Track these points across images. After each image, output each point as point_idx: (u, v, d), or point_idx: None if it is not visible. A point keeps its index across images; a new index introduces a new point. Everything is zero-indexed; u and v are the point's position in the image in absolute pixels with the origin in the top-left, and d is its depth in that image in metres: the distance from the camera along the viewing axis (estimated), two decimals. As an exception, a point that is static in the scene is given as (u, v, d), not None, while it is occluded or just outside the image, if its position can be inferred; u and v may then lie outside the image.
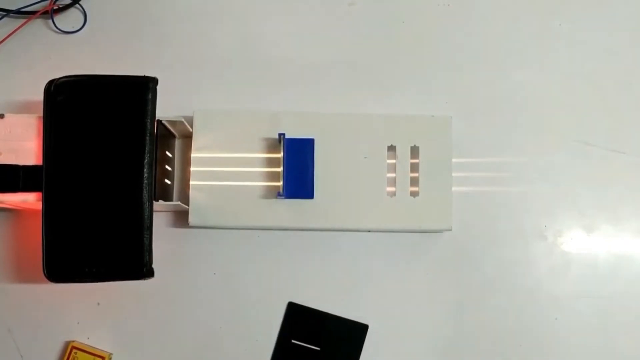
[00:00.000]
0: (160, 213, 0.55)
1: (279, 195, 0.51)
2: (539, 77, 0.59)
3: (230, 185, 0.53)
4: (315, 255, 0.55)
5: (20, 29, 0.58)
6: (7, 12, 0.57)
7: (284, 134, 0.52)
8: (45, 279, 0.46)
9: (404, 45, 0.59)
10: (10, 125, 0.49)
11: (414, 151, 0.54)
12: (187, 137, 0.55)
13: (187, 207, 0.53)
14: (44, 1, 0.58)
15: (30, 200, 0.48)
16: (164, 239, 0.55)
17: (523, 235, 0.56)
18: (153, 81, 0.48)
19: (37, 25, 0.58)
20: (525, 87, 0.58)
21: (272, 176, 0.53)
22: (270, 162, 0.53)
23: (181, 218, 0.55)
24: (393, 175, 0.54)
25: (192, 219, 0.52)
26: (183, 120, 0.52)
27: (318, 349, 0.54)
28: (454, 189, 0.54)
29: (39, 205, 0.47)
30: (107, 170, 0.46)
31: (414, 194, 0.53)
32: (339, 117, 0.54)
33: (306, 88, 0.58)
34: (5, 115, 0.49)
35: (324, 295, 0.55)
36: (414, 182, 0.53)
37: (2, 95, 0.57)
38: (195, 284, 0.55)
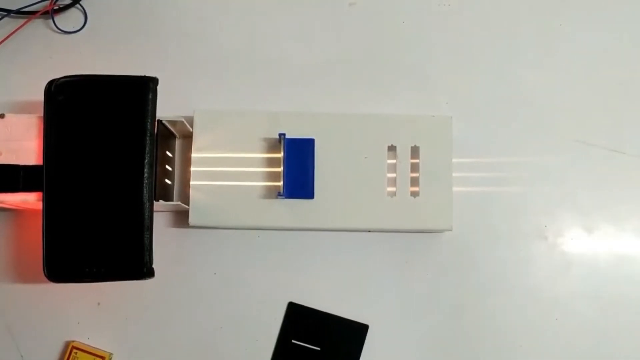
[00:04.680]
0: (161, 213, 0.55)
1: (279, 195, 0.51)
2: (539, 77, 0.59)
3: (231, 185, 0.53)
4: (315, 255, 0.55)
5: (21, 29, 0.58)
6: (8, 12, 0.57)
7: (284, 134, 0.52)
8: (45, 279, 0.46)
9: (404, 45, 0.59)
10: (11, 125, 0.49)
11: (414, 151, 0.54)
12: (188, 137, 0.55)
13: (187, 207, 0.53)
14: (44, 1, 0.58)
15: (30, 200, 0.48)
16: (164, 239, 0.55)
17: (523, 235, 0.56)
18: (153, 81, 0.48)
19: (37, 25, 0.58)
20: (526, 87, 0.58)
21: (272, 176, 0.53)
22: (270, 162, 0.53)
23: (181, 218, 0.55)
24: (393, 175, 0.54)
25: (192, 219, 0.52)
26: (183, 120, 0.52)
27: (318, 349, 0.54)
28: (454, 189, 0.54)
29: (39, 205, 0.47)
30: (108, 170, 0.46)
31: (414, 194, 0.53)
32: (339, 117, 0.54)
33: (306, 88, 0.58)
34: (6, 115, 0.49)
35: (324, 295, 0.55)
36: (414, 182, 0.53)
37: (2, 95, 0.57)
38: (195, 284, 0.55)
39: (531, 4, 0.60)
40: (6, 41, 0.57)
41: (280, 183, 0.52)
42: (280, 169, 0.52)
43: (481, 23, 0.60)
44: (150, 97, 0.47)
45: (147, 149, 0.47)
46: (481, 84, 0.58)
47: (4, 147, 0.49)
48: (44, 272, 0.46)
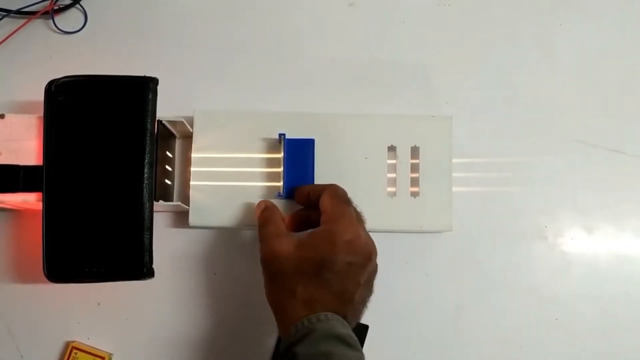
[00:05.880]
0: (161, 213, 0.55)
1: (278, 195, 0.51)
2: (539, 77, 0.59)
3: (231, 186, 0.53)
4: (315, 255, 0.55)
5: (21, 29, 0.58)
6: (8, 12, 0.57)
7: (284, 134, 0.52)
8: (45, 279, 0.46)
9: (404, 45, 0.59)
10: (11, 125, 0.49)
11: (415, 151, 0.54)
12: (188, 137, 0.55)
13: (187, 207, 0.53)
14: (44, 1, 0.58)
15: (30, 200, 0.48)
16: (164, 239, 0.55)
17: (523, 235, 0.56)
18: (153, 81, 0.48)
19: (38, 25, 0.58)
20: (526, 87, 0.59)
21: (272, 176, 0.53)
22: (271, 163, 0.53)
23: (181, 218, 0.55)
24: (393, 175, 0.54)
25: (192, 219, 0.52)
26: (183, 120, 0.52)
27: (318, 349, 0.54)
28: (454, 189, 0.53)
29: (39, 205, 0.47)
30: (108, 171, 0.46)
31: (414, 194, 0.53)
32: (339, 117, 0.54)
33: (306, 88, 0.58)
34: (6, 115, 0.49)
35: (324, 295, 0.55)
36: (414, 182, 0.53)
37: (2, 95, 0.57)
38: (195, 284, 0.55)
39: (531, 4, 0.60)
40: (6, 41, 0.57)
41: (280, 183, 0.52)
42: (280, 170, 0.52)
43: (481, 23, 0.60)
44: (150, 97, 0.47)
45: (147, 149, 0.47)
46: (481, 84, 0.58)
47: (4, 147, 0.49)
48: (44, 272, 0.46)
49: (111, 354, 0.54)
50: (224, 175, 0.53)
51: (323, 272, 0.43)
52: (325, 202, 0.46)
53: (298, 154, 0.52)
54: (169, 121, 0.52)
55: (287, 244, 0.45)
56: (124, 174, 0.46)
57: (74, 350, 0.53)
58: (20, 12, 0.57)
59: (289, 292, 0.43)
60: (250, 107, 0.57)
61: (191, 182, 0.53)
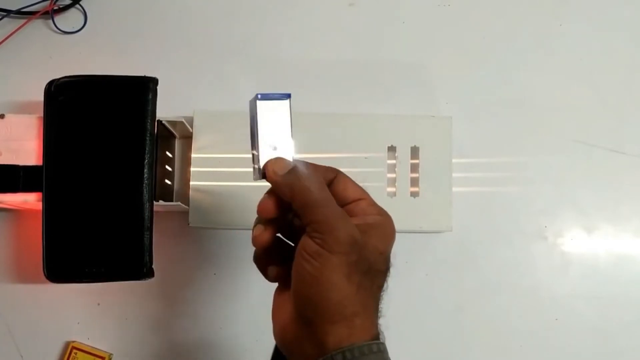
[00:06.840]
0: (161, 213, 0.55)
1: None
2: (539, 77, 0.59)
3: (230, 186, 0.53)
4: (315, 255, 0.55)
5: (21, 29, 0.58)
6: (8, 12, 0.57)
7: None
8: (45, 279, 0.46)
9: (404, 46, 0.59)
10: (11, 125, 0.49)
11: (414, 151, 0.54)
12: (187, 138, 0.55)
13: (187, 207, 0.53)
14: (44, 1, 0.58)
15: (30, 200, 0.48)
16: (164, 239, 0.55)
17: (523, 235, 0.56)
18: (153, 81, 0.48)
19: (37, 26, 0.58)
20: (526, 87, 0.58)
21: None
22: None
23: (181, 218, 0.55)
24: (393, 175, 0.54)
25: (192, 219, 0.52)
26: (183, 120, 0.52)
27: (318, 349, 0.54)
28: (454, 189, 0.53)
29: (39, 205, 0.47)
30: (108, 171, 0.46)
31: (414, 195, 0.53)
32: (339, 117, 0.54)
33: (306, 88, 0.58)
34: (6, 115, 0.49)
35: (324, 295, 0.55)
36: (414, 182, 0.53)
37: (2, 95, 0.57)
38: (195, 284, 0.55)
39: (531, 4, 0.60)
40: (6, 41, 0.57)
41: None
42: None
43: (481, 23, 0.59)
44: (150, 97, 0.47)
45: (147, 149, 0.47)
46: (481, 84, 0.58)
47: (4, 147, 0.49)
48: (44, 272, 0.46)
49: (111, 354, 0.54)
50: (224, 175, 0.53)
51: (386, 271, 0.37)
52: (353, 187, 0.38)
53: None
54: (168, 121, 0.52)
55: (354, 227, 0.34)
56: (124, 174, 0.46)
57: (74, 350, 0.53)
58: (20, 12, 0.57)
59: (369, 290, 0.35)
60: (250, 107, 0.57)
61: (191, 182, 0.53)
